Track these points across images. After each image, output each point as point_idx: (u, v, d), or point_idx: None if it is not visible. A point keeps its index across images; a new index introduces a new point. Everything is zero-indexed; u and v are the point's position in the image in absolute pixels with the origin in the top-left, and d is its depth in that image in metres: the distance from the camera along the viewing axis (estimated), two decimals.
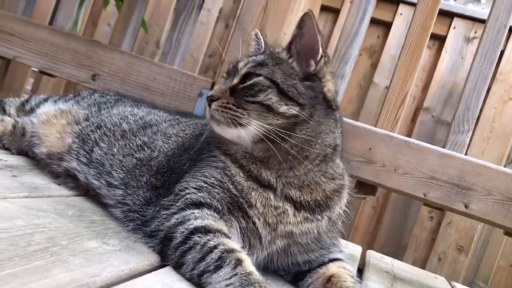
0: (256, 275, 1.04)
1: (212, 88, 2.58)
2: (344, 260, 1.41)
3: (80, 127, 1.72)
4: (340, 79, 2.54)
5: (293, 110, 1.30)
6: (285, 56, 1.40)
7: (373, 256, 2.49)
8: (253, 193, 1.30)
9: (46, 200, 1.37)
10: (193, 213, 1.22)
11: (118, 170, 1.50)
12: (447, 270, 3.68)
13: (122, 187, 1.45)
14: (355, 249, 2.44)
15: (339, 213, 1.40)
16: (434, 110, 3.89)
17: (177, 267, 1.15)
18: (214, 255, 1.09)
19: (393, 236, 3.83)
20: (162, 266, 1.18)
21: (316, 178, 1.34)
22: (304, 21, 1.35)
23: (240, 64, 1.40)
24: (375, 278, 1.89)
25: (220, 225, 1.21)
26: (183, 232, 1.18)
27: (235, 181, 1.32)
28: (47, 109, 1.89)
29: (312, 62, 1.38)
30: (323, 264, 1.37)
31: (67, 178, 1.63)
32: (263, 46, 1.50)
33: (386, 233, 3.83)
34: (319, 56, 1.37)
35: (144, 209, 1.36)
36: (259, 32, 1.54)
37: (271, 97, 1.30)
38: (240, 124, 1.29)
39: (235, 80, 1.37)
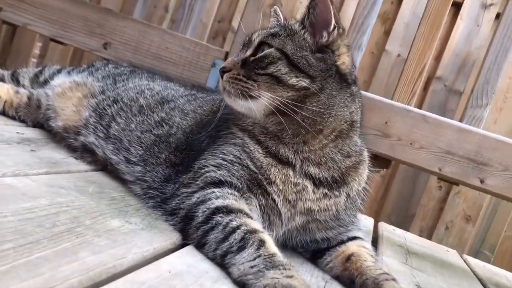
0: (280, 256, 1.04)
1: (225, 58, 2.54)
2: (363, 238, 1.41)
3: (96, 100, 1.71)
4: (356, 50, 2.48)
5: (303, 82, 1.28)
6: (298, 28, 1.36)
7: (386, 228, 2.50)
8: (272, 170, 1.29)
9: (66, 176, 1.37)
10: (214, 192, 1.22)
11: (137, 146, 1.49)
12: (453, 239, 3.70)
13: (141, 163, 1.45)
14: (368, 222, 2.45)
15: (358, 190, 1.39)
16: (446, 79, 3.82)
17: (199, 246, 1.15)
18: (237, 235, 1.09)
19: (401, 205, 3.84)
20: (184, 244, 1.18)
21: (332, 155, 1.32)
22: None
23: (254, 36, 1.39)
24: (389, 253, 1.90)
25: (241, 204, 1.21)
26: (204, 211, 1.18)
27: (254, 158, 1.31)
28: (61, 81, 1.87)
29: (325, 33, 1.34)
30: (342, 242, 1.37)
31: (85, 153, 1.62)
32: (282, 21, 1.46)
33: (394, 202, 3.84)
34: (332, 27, 1.33)
35: (163, 186, 1.36)
36: (278, 9, 1.50)
37: (281, 69, 1.28)
38: (250, 96, 1.28)
39: (248, 52, 1.35)
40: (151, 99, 1.66)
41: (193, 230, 1.18)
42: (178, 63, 2.64)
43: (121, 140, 1.54)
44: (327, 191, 1.32)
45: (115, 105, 1.65)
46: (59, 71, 2.00)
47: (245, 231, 1.10)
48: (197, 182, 1.27)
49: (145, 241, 1.07)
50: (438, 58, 3.88)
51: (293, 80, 1.28)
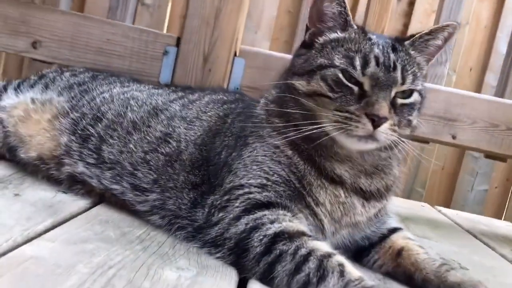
0: (366, 279, 0.97)
1: (177, 44, 2.34)
2: (402, 228, 1.38)
3: (70, 119, 1.46)
4: None
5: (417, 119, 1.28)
6: (424, 63, 1.32)
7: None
8: (321, 192, 1.20)
9: (77, 224, 1.17)
10: (265, 215, 1.10)
11: (145, 170, 1.31)
12: None
13: (157, 189, 1.28)
14: None
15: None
16: None
17: (266, 281, 1.04)
18: (311, 263, 1.00)
19: None
20: (243, 279, 1.07)
21: (390, 160, 1.26)
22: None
23: (398, 75, 1.18)
24: (411, 235, 1.91)
25: (298, 225, 1.11)
26: (261, 240, 1.06)
27: (303, 179, 1.20)
28: (15, 101, 1.59)
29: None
30: (385, 237, 1.33)
31: (74, 185, 1.40)
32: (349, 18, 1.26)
33: None
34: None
35: (192, 213, 1.21)
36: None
37: (416, 114, 1.26)
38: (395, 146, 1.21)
39: (392, 94, 1.17)
40: (140, 110, 1.45)
41: (252, 264, 1.06)
42: (124, 55, 2.37)
43: (122, 164, 1.34)
44: (376, 203, 1.26)
45: (99, 123, 1.42)
46: (5, 88, 1.69)
47: (319, 258, 1.01)
48: (237, 204, 1.14)
49: None
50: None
51: (416, 121, 1.27)
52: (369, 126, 1.11)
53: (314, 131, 1.14)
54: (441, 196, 3.75)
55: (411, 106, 1.22)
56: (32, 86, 1.68)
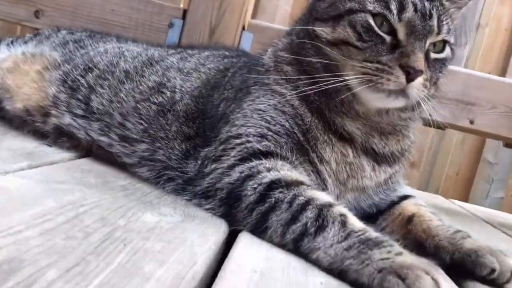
0: (372, 231, 0.85)
1: (183, 17, 2.25)
2: (415, 196, 1.26)
3: (60, 72, 1.37)
4: None
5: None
6: (455, 15, 1.17)
7: None
8: (327, 149, 1.09)
9: (54, 168, 1.07)
10: (262, 163, 0.99)
11: (135, 119, 1.21)
12: None
13: (147, 139, 1.17)
14: None
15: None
16: None
17: (258, 232, 0.93)
18: (310, 213, 0.88)
19: None
20: (234, 231, 0.95)
21: (409, 121, 1.15)
22: None
23: (434, 23, 1.06)
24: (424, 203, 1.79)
25: (297, 175, 0.99)
26: (255, 188, 0.95)
27: (308, 132, 1.09)
28: (6, 54, 1.51)
29: None
30: (394, 203, 1.21)
31: (60, 137, 1.30)
32: None
33: None
34: None
35: (183, 165, 1.10)
36: None
37: (444, 73, 1.16)
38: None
39: (427, 45, 1.07)
40: (135, 61, 1.36)
41: (245, 214, 0.95)
42: (129, 26, 2.29)
43: (111, 114, 1.24)
44: (388, 167, 1.15)
45: (90, 74, 1.34)
46: None
47: (319, 206, 0.89)
48: (232, 154, 1.03)
49: (199, 236, 0.84)
50: None
51: (443, 81, 1.17)
52: (402, 79, 1.00)
53: (336, 84, 1.03)
54: None
55: (443, 62, 1.11)
56: (25, 42, 1.61)
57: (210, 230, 0.89)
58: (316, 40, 1.09)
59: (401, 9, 1.03)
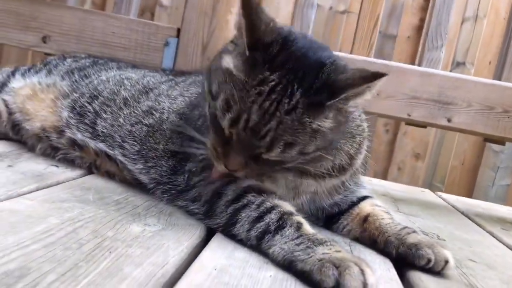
0: (319, 235, 1.03)
1: (178, 35, 2.44)
2: (372, 196, 1.43)
3: (69, 100, 1.59)
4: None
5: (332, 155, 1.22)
6: (324, 123, 1.09)
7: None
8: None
9: (59, 188, 1.27)
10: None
11: (131, 142, 1.42)
12: (407, 177, 3.85)
13: (141, 160, 1.38)
14: None
15: (361, 163, 1.37)
16: (381, 25, 3.86)
17: (229, 225, 1.12)
18: (273, 215, 1.07)
19: None
20: (208, 236, 1.14)
21: (341, 145, 1.24)
22: None
23: (263, 143, 1.06)
24: (380, 203, 1.95)
25: (269, 185, 1.20)
26: (234, 190, 1.15)
27: None
28: (22, 83, 1.72)
29: None
30: (354, 204, 1.38)
31: (72, 148, 1.53)
32: None
33: None
34: None
35: (173, 179, 1.31)
36: None
37: (301, 159, 1.15)
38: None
39: (256, 152, 1.12)
40: (133, 89, 1.57)
41: (221, 209, 1.15)
42: (129, 47, 2.50)
43: (113, 137, 1.46)
44: (333, 179, 1.28)
45: (95, 101, 1.55)
46: (13, 73, 1.83)
47: (281, 212, 1.08)
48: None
49: (174, 242, 1.02)
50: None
51: (326, 159, 1.21)
52: (224, 169, 1.11)
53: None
54: (462, 192, 3.69)
55: (279, 161, 1.09)
56: (37, 72, 1.81)
57: (185, 237, 1.08)
58: None
59: (234, 121, 1.03)
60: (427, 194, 2.55)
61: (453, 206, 2.28)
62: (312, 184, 1.27)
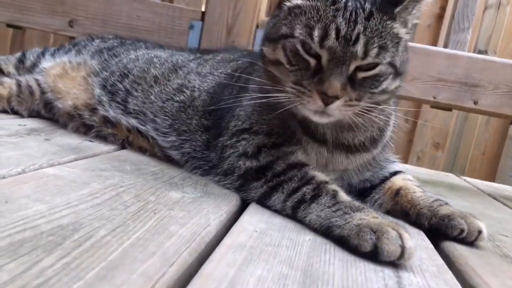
0: (356, 202, 1.05)
1: (202, 19, 2.45)
2: (404, 172, 1.43)
3: (100, 78, 1.62)
4: None
5: (398, 82, 1.19)
6: (402, 32, 1.15)
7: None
8: (308, 146, 1.25)
9: (97, 159, 1.30)
10: (282, 149, 1.22)
11: (162, 116, 1.45)
12: (426, 167, 3.81)
13: (174, 133, 1.41)
14: None
15: (390, 135, 1.39)
16: None
17: (264, 198, 1.14)
18: (310, 185, 1.09)
19: None
20: (243, 205, 1.16)
21: (373, 117, 1.22)
22: None
23: (359, 49, 1.07)
24: (412, 178, 1.94)
25: (304, 157, 1.22)
26: (281, 165, 1.17)
27: (294, 134, 1.27)
28: (53, 63, 1.76)
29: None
30: (386, 178, 1.39)
31: (105, 125, 1.56)
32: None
33: None
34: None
35: (206, 154, 1.34)
36: None
37: (391, 82, 1.16)
38: (360, 115, 1.15)
39: (352, 68, 1.09)
40: (162, 67, 1.59)
41: (260, 184, 1.16)
42: (153, 30, 2.52)
43: (145, 113, 1.49)
44: (364, 154, 1.29)
45: (126, 79, 1.58)
46: (43, 54, 1.87)
47: (317, 182, 1.10)
48: (244, 143, 1.24)
49: (214, 207, 1.05)
50: None
51: (394, 85, 1.18)
52: (319, 103, 1.08)
53: (275, 100, 1.15)
54: None
55: (375, 79, 1.12)
56: (66, 52, 1.85)
57: (223, 203, 1.10)
58: (264, 58, 1.21)
59: (324, 36, 1.07)
60: (451, 178, 2.54)
61: (479, 189, 2.27)
62: (344, 161, 1.28)
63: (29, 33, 3.70)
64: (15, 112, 1.74)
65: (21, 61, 1.90)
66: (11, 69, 1.88)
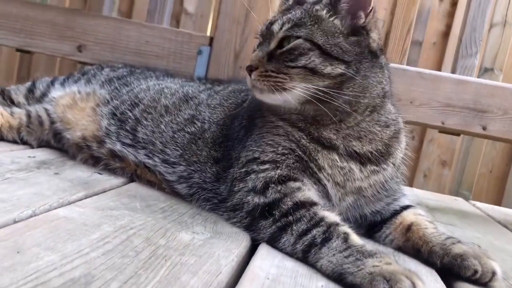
0: (368, 247, 1.03)
1: (210, 44, 2.47)
2: (415, 206, 1.42)
3: (110, 107, 1.63)
4: None
5: (339, 69, 1.24)
6: (325, 14, 1.29)
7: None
8: (319, 155, 1.27)
9: (107, 196, 1.30)
10: (288, 185, 1.21)
11: (173, 147, 1.45)
12: (433, 185, 3.79)
13: (183, 163, 1.42)
14: None
15: (402, 157, 1.40)
16: None
17: (273, 240, 1.13)
18: (320, 228, 1.08)
19: None
20: (253, 246, 1.15)
21: (370, 128, 1.30)
22: None
23: (275, 27, 1.30)
24: (423, 212, 1.92)
25: (312, 195, 1.20)
26: (288, 203, 1.16)
27: (301, 145, 1.28)
28: (62, 92, 1.77)
29: (362, 14, 1.29)
30: (396, 213, 1.38)
31: (113, 159, 1.55)
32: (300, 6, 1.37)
33: None
34: (370, 7, 1.29)
35: (216, 187, 1.34)
36: None
37: (314, 60, 1.24)
38: (284, 89, 1.23)
39: (272, 45, 1.28)
40: (173, 97, 1.60)
41: (268, 223, 1.16)
42: (162, 55, 2.54)
43: (154, 143, 1.49)
44: (375, 167, 1.31)
45: (136, 108, 1.59)
46: (52, 83, 1.88)
47: (328, 224, 1.09)
48: (253, 177, 1.24)
49: (224, 250, 1.04)
50: (392, 12, 3.88)
51: (328, 69, 1.24)
52: (248, 76, 1.28)
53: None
54: (490, 200, 3.63)
55: (290, 52, 1.25)
56: (76, 81, 1.86)
57: (233, 245, 1.09)
58: None
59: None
60: (460, 203, 2.52)
61: (489, 215, 2.25)
62: (355, 171, 1.30)
63: (36, 56, 3.75)
64: (24, 143, 1.75)
65: (31, 90, 1.91)
66: (21, 99, 1.90)
